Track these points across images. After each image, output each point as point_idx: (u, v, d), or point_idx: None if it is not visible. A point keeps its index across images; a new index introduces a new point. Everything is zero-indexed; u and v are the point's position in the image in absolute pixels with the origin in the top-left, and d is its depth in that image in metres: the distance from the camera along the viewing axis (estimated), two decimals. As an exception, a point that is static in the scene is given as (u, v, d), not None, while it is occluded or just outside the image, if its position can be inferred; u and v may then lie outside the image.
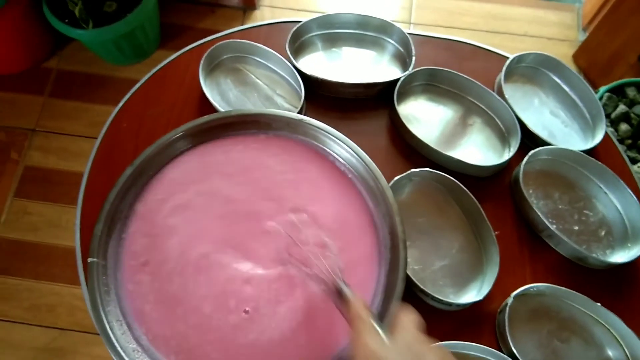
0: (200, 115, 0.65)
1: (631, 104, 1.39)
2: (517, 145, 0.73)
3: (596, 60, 1.63)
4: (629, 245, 0.71)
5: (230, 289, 0.57)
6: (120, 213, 0.59)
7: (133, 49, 1.54)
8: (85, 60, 1.61)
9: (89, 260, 0.55)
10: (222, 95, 0.77)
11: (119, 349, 0.52)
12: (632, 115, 1.37)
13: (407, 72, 0.77)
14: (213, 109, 0.75)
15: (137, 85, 0.78)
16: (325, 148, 0.65)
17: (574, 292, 0.65)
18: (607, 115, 1.40)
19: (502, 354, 0.62)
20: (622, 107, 1.37)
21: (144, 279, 0.57)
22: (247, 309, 0.56)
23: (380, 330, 0.41)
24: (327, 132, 0.63)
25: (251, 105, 0.77)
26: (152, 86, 0.79)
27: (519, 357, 0.60)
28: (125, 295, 0.56)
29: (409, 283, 0.62)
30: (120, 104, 0.77)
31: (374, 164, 0.62)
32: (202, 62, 0.76)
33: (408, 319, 0.42)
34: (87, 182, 0.72)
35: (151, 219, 0.60)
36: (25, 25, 1.49)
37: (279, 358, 0.54)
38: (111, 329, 0.53)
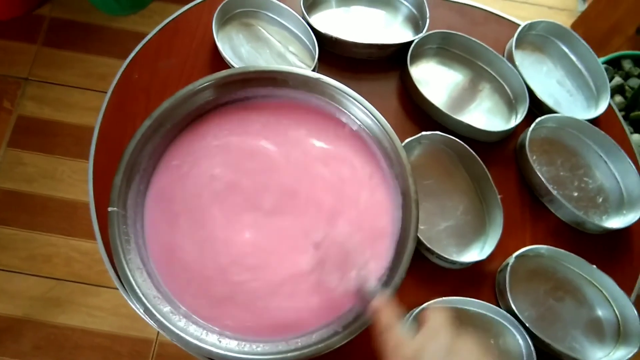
0: (212, 70, 0.64)
1: (626, 76, 1.41)
2: (524, 112, 0.75)
3: (594, 31, 1.63)
4: (624, 212, 0.74)
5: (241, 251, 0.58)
6: (139, 165, 0.59)
7: (130, -1, 1.50)
8: (79, 8, 1.56)
9: (109, 209, 0.55)
10: (233, 50, 0.77)
11: (140, 295, 0.53)
12: (626, 87, 1.38)
13: (422, 34, 0.77)
14: (225, 64, 0.75)
15: (149, 36, 0.77)
16: (340, 107, 0.65)
17: (571, 254, 0.68)
18: (603, 87, 1.42)
19: (500, 309, 0.65)
20: (617, 80, 1.39)
21: (165, 228, 0.58)
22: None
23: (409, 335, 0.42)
24: (343, 91, 0.64)
25: (263, 61, 0.76)
26: (163, 38, 0.77)
27: (516, 313, 0.64)
28: (145, 244, 0.58)
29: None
30: (131, 55, 0.75)
31: (389, 124, 0.63)
32: (215, 15, 0.75)
33: (435, 316, 0.43)
34: (99, 133, 0.70)
35: (171, 172, 0.61)
36: (16, -30, 1.42)
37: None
38: (132, 277, 0.54)
